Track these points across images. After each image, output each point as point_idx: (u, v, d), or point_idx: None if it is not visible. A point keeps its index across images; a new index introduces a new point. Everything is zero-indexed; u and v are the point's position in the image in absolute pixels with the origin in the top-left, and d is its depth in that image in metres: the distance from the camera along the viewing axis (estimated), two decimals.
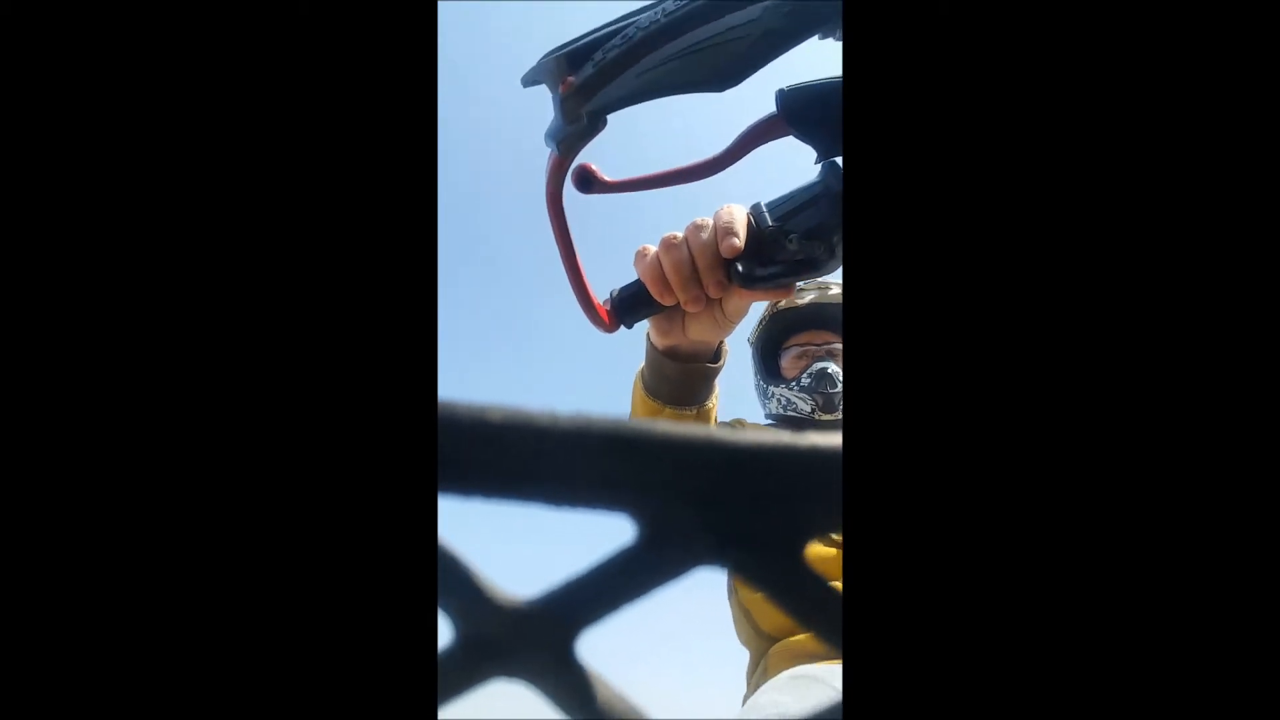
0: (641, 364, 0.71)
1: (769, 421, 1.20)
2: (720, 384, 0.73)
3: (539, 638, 0.12)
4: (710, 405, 0.71)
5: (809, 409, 1.12)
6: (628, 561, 0.12)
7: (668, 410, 0.68)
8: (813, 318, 1.18)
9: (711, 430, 0.12)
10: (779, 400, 1.16)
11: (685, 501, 0.12)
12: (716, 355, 0.68)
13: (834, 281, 1.18)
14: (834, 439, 0.13)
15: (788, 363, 1.19)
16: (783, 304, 1.19)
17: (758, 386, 1.23)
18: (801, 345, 1.18)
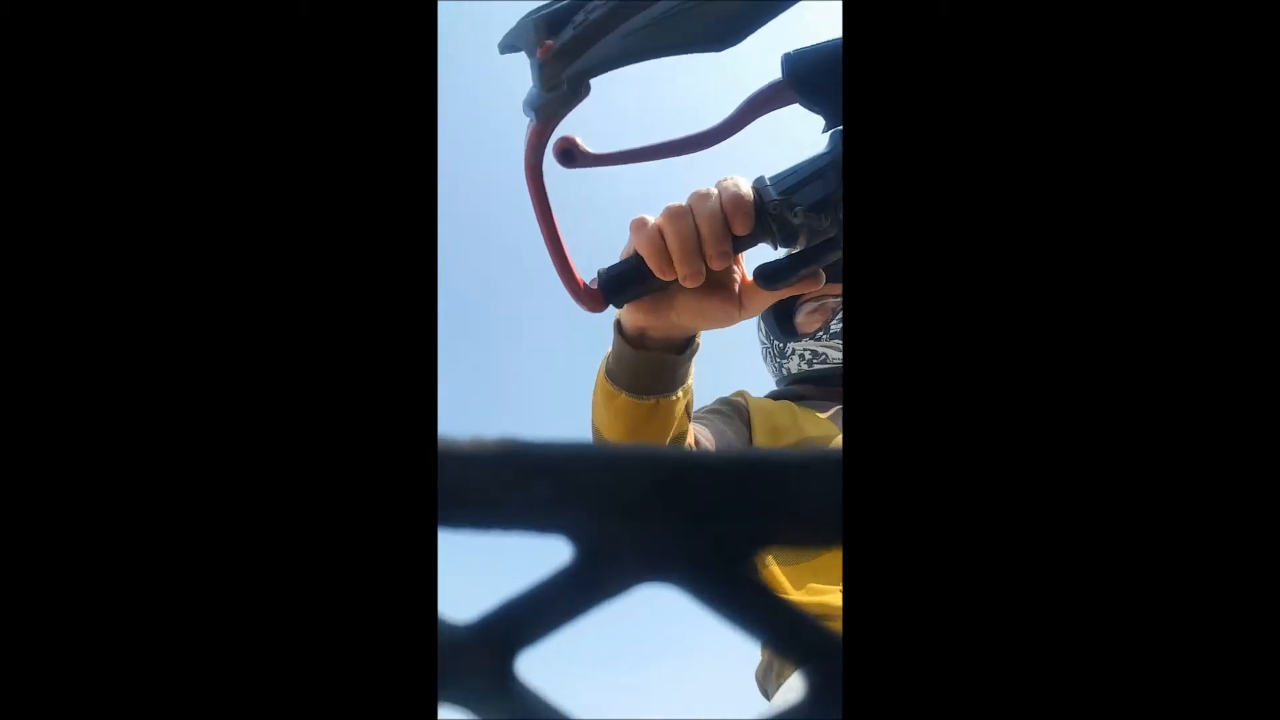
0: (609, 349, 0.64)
1: (782, 385, 1.12)
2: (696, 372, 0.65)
3: (477, 660, 0.12)
4: (675, 397, 0.63)
5: (841, 355, 1.04)
6: (565, 582, 0.12)
7: (622, 397, 0.62)
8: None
9: (643, 446, 0.12)
10: (802, 356, 1.07)
11: (621, 521, 0.12)
12: (684, 346, 0.61)
13: None
14: (776, 452, 0.13)
15: (804, 318, 1.10)
16: None
17: (770, 349, 1.13)
18: (818, 299, 1.09)
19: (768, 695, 0.88)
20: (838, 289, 1.07)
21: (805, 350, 1.07)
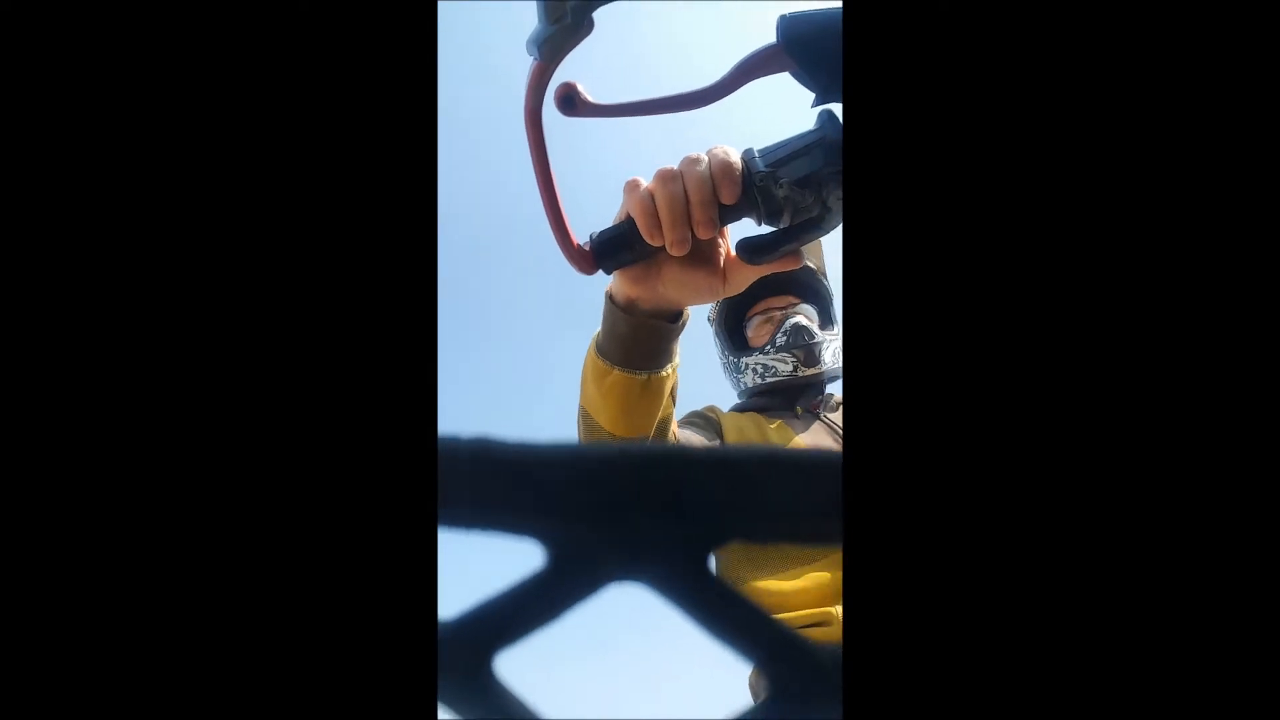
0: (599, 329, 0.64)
1: (744, 399, 1.16)
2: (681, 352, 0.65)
3: (453, 660, 0.12)
4: (665, 374, 0.63)
5: (790, 368, 1.07)
6: (539, 585, 0.12)
7: (615, 372, 0.61)
8: (772, 283, 1.11)
9: (610, 445, 0.12)
10: (755, 370, 1.11)
11: (589, 520, 0.12)
12: (676, 315, 0.62)
13: None
14: (736, 449, 0.13)
15: (754, 331, 1.15)
16: None
17: (727, 365, 1.18)
18: (764, 312, 1.14)
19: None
20: (785, 300, 1.13)
21: (756, 364, 1.11)
